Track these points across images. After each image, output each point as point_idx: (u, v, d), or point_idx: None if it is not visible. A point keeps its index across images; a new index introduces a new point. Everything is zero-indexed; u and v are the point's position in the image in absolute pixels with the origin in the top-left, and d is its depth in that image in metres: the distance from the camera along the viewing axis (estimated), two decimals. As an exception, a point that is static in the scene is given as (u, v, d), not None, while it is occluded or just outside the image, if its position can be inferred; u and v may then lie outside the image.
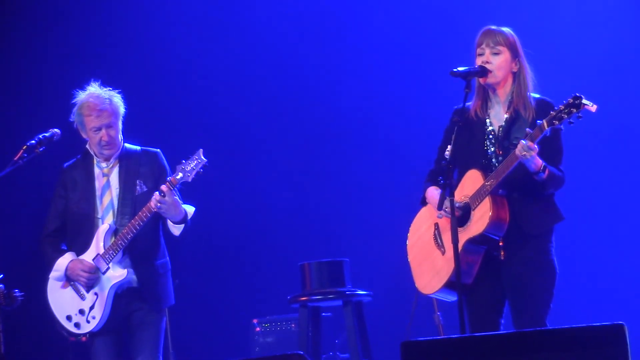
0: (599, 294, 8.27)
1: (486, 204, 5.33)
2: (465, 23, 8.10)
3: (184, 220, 6.06)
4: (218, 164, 6.42)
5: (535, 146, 5.18)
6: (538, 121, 5.22)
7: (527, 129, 5.23)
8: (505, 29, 5.50)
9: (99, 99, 6.08)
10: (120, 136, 6.17)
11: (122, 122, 6.17)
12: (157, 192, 5.93)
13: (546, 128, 5.16)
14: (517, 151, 5.20)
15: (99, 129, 6.08)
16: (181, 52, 9.26)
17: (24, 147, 6.00)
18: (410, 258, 5.74)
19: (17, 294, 5.70)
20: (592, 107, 5.12)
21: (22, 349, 8.29)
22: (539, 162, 5.24)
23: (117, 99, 6.14)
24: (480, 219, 5.34)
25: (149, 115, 8.74)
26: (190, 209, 6.10)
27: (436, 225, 5.60)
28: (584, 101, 5.11)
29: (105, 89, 6.14)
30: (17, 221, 8.71)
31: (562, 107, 5.15)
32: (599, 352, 3.78)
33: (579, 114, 5.12)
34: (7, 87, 9.09)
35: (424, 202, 5.70)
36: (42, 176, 7.08)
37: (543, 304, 5.38)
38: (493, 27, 5.50)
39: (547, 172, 5.27)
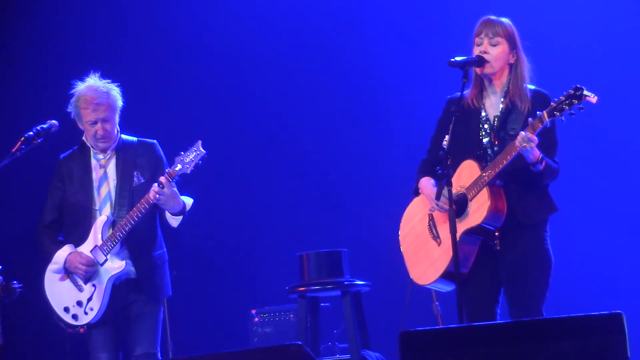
0: (597, 283, 8.28)
1: (484, 195, 5.33)
2: (461, 14, 8.11)
3: (182, 211, 6.06)
4: (216, 155, 6.42)
5: (535, 138, 5.18)
6: (538, 112, 5.21)
7: (529, 119, 5.22)
8: (505, 20, 5.50)
9: (96, 92, 6.07)
10: (116, 129, 6.16)
11: (120, 114, 6.16)
12: (155, 184, 5.93)
13: (547, 119, 5.16)
14: (517, 142, 5.19)
15: (95, 122, 6.07)
16: (180, 43, 9.25)
17: (22, 138, 6.00)
18: (403, 248, 5.74)
19: (16, 286, 5.70)
20: (593, 98, 5.12)
21: (21, 340, 8.29)
22: (537, 153, 5.24)
23: (115, 93, 6.12)
24: (478, 210, 5.34)
25: (148, 106, 8.73)
26: (188, 201, 6.10)
27: (430, 216, 5.59)
28: (585, 92, 5.11)
29: (103, 81, 6.12)
30: (15, 213, 8.71)
31: (562, 98, 5.14)
32: (598, 341, 3.78)
33: (580, 105, 5.12)
34: (4, 78, 9.08)
35: (416, 193, 5.69)
36: (40, 168, 7.07)
37: (539, 293, 5.38)
38: (492, 17, 5.50)
39: (544, 163, 5.28)
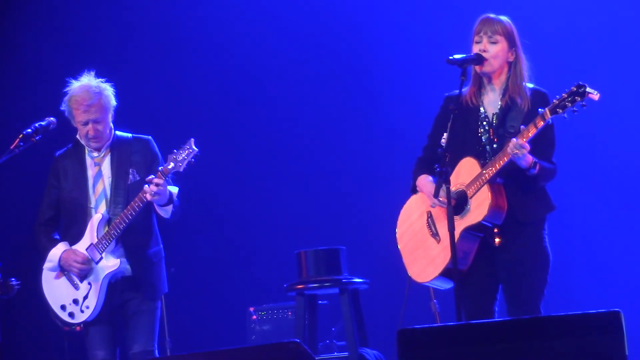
0: (595, 281, 8.28)
1: (485, 192, 5.32)
2: (460, 12, 8.10)
3: (170, 201, 6.03)
4: (213, 152, 6.42)
5: (527, 145, 5.17)
6: (540, 109, 5.21)
7: (521, 126, 5.23)
8: (504, 18, 5.50)
9: (88, 92, 6.04)
10: (110, 126, 6.14)
11: (113, 113, 6.14)
12: (151, 185, 5.88)
13: (549, 116, 5.16)
14: (509, 149, 5.19)
15: (86, 123, 6.05)
16: (176, 40, 9.24)
17: (20, 135, 6.00)
18: (400, 246, 5.72)
19: (14, 283, 5.71)
20: (595, 95, 5.12)
21: (19, 337, 8.29)
22: (530, 159, 5.23)
23: (108, 93, 6.09)
24: (479, 207, 5.33)
25: (141, 103, 8.72)
26: (174, 190, 6.08)
27: (429, 213, 5.58)
28: (588, 89, 5.11)
29: (97, 80, 6.09)
30: (13, 210, 8.70)
31: (565, 95, 5.14)
32: (596, 339, 3.77)
33: (583, 103, 5.12)
34: (3, 75, 9.07)
35: (414, 190, 5.69)
36: (38, 165, 7.06)
37: (537, 290, 5.39)
38: (492, 15, 5.50)
39: (537, 167, 5.27)
